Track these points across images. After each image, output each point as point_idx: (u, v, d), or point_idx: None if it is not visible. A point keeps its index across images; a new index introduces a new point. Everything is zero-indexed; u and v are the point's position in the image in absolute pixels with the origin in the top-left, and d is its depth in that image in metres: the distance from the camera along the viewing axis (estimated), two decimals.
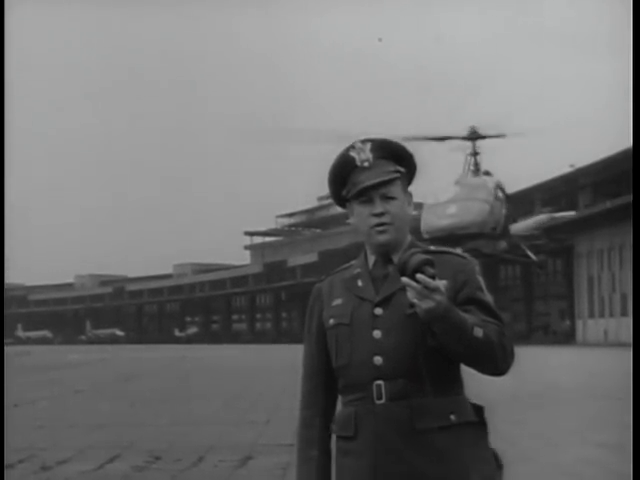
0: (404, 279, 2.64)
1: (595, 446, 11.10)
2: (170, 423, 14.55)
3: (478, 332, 2.68)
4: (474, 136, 32.21)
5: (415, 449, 2.75)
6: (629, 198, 48.53)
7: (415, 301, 2.62)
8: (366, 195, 2.84)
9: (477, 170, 32.26)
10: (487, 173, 32.24)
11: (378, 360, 2.79)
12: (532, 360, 32.85)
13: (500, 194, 31.09)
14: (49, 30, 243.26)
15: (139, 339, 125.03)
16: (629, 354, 20.42)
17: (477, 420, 2.83)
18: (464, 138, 31.83)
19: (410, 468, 2.75)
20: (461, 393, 2.85)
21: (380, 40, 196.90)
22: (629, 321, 54.48)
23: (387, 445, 2.76)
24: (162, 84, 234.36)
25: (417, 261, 2.65)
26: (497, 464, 2.89)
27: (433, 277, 2.63)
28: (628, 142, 46.47)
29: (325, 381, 2.96)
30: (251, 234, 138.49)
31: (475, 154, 32.57)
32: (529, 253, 33.75)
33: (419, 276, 2.61)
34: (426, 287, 2.60)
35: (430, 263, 2.65)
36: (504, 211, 30.97)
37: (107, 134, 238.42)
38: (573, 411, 15.65)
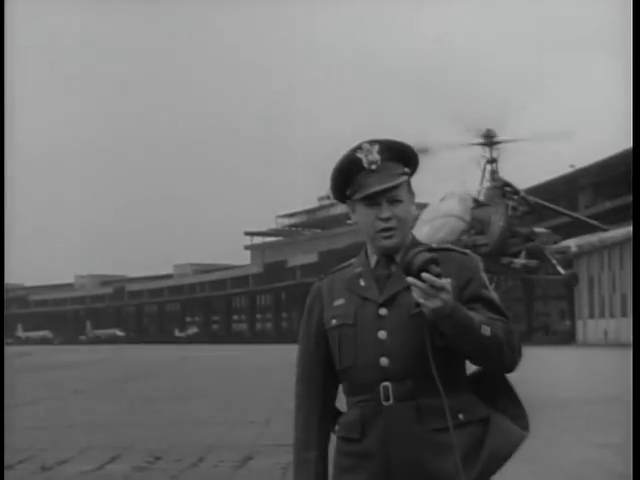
0: (410, 279, 2.62)
1: (595, 446, 11.10)
2: (170, 423, 14.54)
3: (486, 330, 2.67)
4: (491, 141, 28.36)
5: (425, 449, 2.73)
6: (629, 198, 48.52)
7: (421, 300, 2.60)
8: (373, 198, 2.80)
9: (494, 179, 29.05)
10: (496, 181, 28.37)
11: (384, 361, 2.77)
12: (532, 360, 32.83)
13: (500, 207, 27.89)
14: (49, 29, 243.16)
15: (139, 339, 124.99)
16: (629, 354, 20.40)
17: (487, 416, 2.83)
18: (482, 144, 28.66)
19: (422, 468, 2.74)
20: (468, 391, 2.83)
21: None
22: (629, 321, 54.45)
23: (397, 446, 2.74)
24: (162, 84, 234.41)
25: (422, 260, 2.62)
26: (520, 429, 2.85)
27: (439, 276, 2.60)
28: (628, 143, 46.45)
29: (323, 382, 2.93)
30: (251, 234, 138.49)
31: (492, 161, 28.54)
32: (559, 268, 29.70)
33: (425, 275, 2.59)
34: (432, 286, 2.59)
35: (435, 262, 2.63)
36: (501, 224, 27.94)
37: (107, 134, 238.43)
38: (573, 411, 15.64)
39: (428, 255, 2.64)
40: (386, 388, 2.76)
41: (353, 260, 2.98)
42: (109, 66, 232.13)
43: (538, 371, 27.01)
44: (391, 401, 2.76)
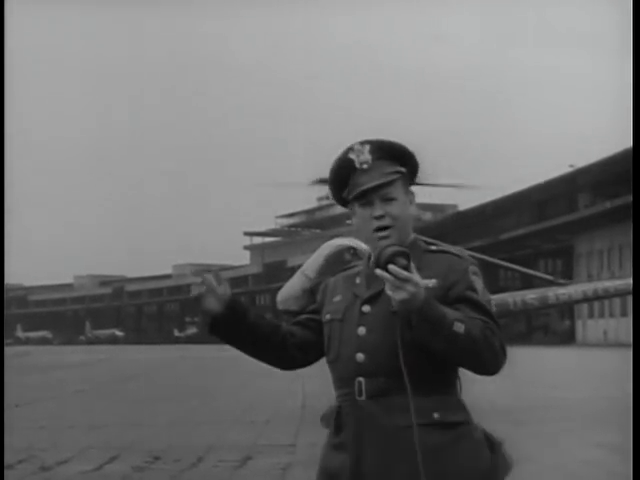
0: (376, 270, 2.65)
1: (595, 446, 11.09)
2: (169, 423, 14.53)
3: (459, 327, 2.64)
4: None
5: (395, 446, 2.75)
6: (629, 198, 48.52)
7: (389, 292, 2.63)
8: (366, 197, 2.84)
9: None
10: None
11: (360, 357, 2.81)
12: (532, 360, 32.86)
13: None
14: (49, 30, 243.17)
15: (139, 339, 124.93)
16: (629, 354, 20.37)
17: (466, 421, 2.82)
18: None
19: (390, 464, 2.76)
20: (450, 393, 2.82)
21: None
22: (629, 321, 54.45)
23: (368, 441, 2.78)
24: (162, 85, 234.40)
25: (390, 253, 2.65)
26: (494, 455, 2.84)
27: (406, 268, 2.62)
28: (628, 142, 46.44)
29: (296, 328, 3.02)
30: (251, 234, 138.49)
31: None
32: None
33: (390, 267, 2.62)
34: (398, 278, 2.60)
35: (403, 254, 2.65)
36: None
37: (107, 134, 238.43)
38: (573, 411, 15.64)
39: (397, 248, 2.67)
40: (360, 383, 2.80)
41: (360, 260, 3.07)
42: (109, 67, 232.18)
43: (538, 371, 27.02)
44: (364, 397, 2.80)
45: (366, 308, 2.84)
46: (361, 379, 2.80)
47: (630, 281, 25.57)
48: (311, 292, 23.65)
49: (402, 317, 2.68)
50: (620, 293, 26.04)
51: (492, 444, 2.84)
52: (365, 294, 2.86)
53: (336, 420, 2.86)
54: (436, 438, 2.74)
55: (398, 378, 2.74)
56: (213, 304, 2.94)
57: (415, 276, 2.61)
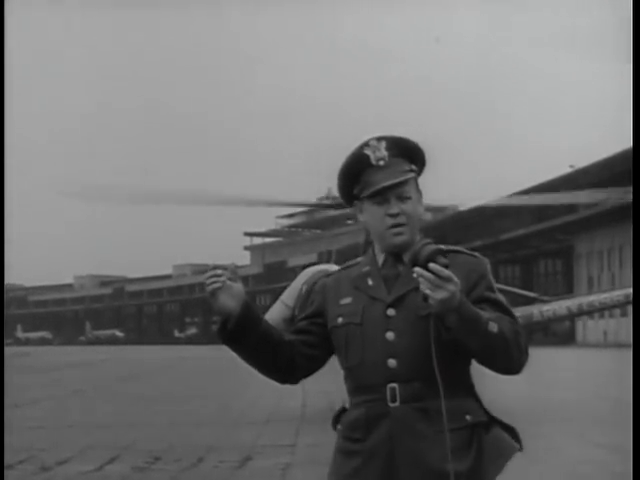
0: (417, 269, 2.59)
1: (595, 446, 11.09)
2: (170, 423, 14.53)
3: (493, 327, 2.64)
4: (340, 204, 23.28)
5: (432, 450, 2.72)
6: (629, 198, 48.49)
7: (428, 292, 2.57)
8: (382, 195, 2.79)
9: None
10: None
11: (392, 363, 2.75)
12: (532, 360, 32.74)
13: None
14: (49, 30, 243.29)
15: (139, 340, 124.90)
16: (629, 354, 20.37)
17: (490, 419, 2.83)
18: (328, 206, 22.87)
19: (427, 468, 2.73)
20: (473, 394, 2.83)
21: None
22: (629, 321, 54.45)
23: (402, 446, 2.74)
24: (163, 84, 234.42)
25: (429, 251, 2.61)
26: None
27: (446, 267, 2.58)
28: (628, 142, 46.42)
29: (295, 338, 2.91)
30: (251, 235, 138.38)
31: None
32: None
33: (432, 265, 2.57)
34: (439, 277, 2.56)
35: (442, 253, 2.62)
36: None
37: (107, 134, 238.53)
38: (573, 411, 15.64)
39: (435, 246, 2.63)
40: (393, 389, 2.75)
41: (360, 259, 2.97)
42: (110, 67, 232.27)
43: (538, 371, 26.99)
44: (397, 402, 2.75)
45: (391, 312, 2.78)
46: (394, 385, 2.74)
47: (615, 294, 25.36)
48: (291, 321, 23.61)
49: (438, 318, 2.64)
50: (605, 307, 25.92)
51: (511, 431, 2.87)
52: (388, 297, 2.80)
53: (363, 427, 2.79)
54: (468, 440, 2.76)
55: (433, 382, 2.71)
56: (228, 302, 2.83)
57: (453, 275, 2.59)
